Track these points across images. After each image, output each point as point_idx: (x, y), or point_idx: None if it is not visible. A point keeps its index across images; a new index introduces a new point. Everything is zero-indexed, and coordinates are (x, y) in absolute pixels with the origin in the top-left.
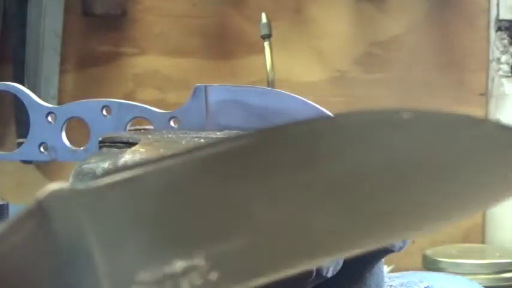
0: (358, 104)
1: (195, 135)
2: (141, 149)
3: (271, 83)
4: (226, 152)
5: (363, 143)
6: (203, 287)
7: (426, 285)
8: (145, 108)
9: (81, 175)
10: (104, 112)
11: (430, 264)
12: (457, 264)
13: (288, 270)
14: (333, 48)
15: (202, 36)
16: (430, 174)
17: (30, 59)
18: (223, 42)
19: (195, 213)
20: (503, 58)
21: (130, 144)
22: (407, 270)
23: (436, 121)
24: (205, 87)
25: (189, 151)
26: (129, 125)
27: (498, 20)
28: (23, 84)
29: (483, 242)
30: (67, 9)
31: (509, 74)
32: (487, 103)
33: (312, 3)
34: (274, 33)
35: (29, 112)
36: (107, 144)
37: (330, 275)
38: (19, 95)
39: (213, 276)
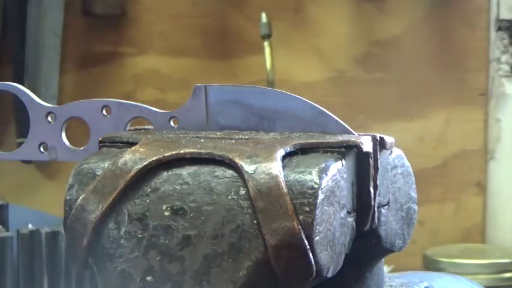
0: (357, 104)
1: (195, 135)
2: (141, 149)
3: (271, 83)
4: None
5: None
6: None
7: (426, 285)
8: (146, 108)
9: (81, 175)
10: (104, 112)
11: (430, 264)
12: (457, 264)
13: None
14: (333, 47)
15: (202, 36)
16: None
17: (30, 59)
18: (223, 42)
19: None
20: (503, 58)
21: (130, 144)
22: (407, 270)
23: None
24: (205, 87)
25: None
26: (129, 125)
27: (498, 20)
28: (23, 84)
29: (483, 242)
30: (67, 9)
31: (509, 74)
32: (487, 103)
33: (312, 3)
34: (274, 33)
35: (29, 112)
36: (107, 144)
37: (330, 274)
38: (19, 95)
39: None
